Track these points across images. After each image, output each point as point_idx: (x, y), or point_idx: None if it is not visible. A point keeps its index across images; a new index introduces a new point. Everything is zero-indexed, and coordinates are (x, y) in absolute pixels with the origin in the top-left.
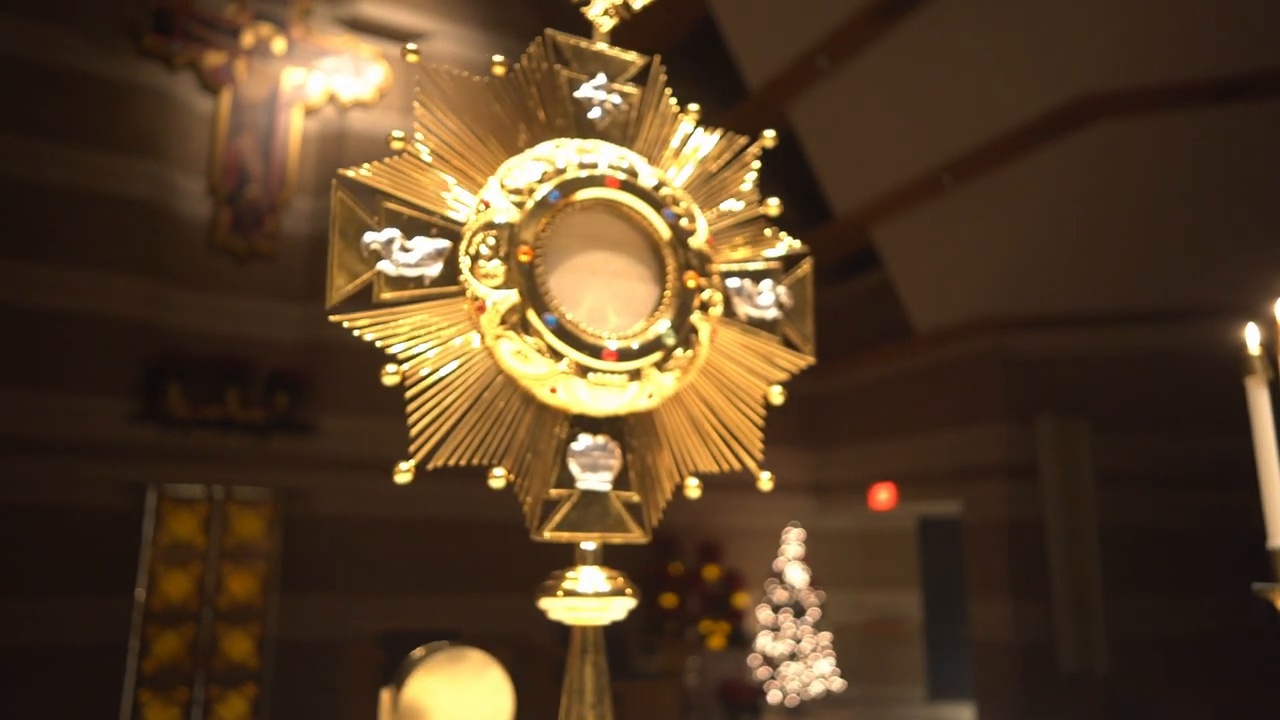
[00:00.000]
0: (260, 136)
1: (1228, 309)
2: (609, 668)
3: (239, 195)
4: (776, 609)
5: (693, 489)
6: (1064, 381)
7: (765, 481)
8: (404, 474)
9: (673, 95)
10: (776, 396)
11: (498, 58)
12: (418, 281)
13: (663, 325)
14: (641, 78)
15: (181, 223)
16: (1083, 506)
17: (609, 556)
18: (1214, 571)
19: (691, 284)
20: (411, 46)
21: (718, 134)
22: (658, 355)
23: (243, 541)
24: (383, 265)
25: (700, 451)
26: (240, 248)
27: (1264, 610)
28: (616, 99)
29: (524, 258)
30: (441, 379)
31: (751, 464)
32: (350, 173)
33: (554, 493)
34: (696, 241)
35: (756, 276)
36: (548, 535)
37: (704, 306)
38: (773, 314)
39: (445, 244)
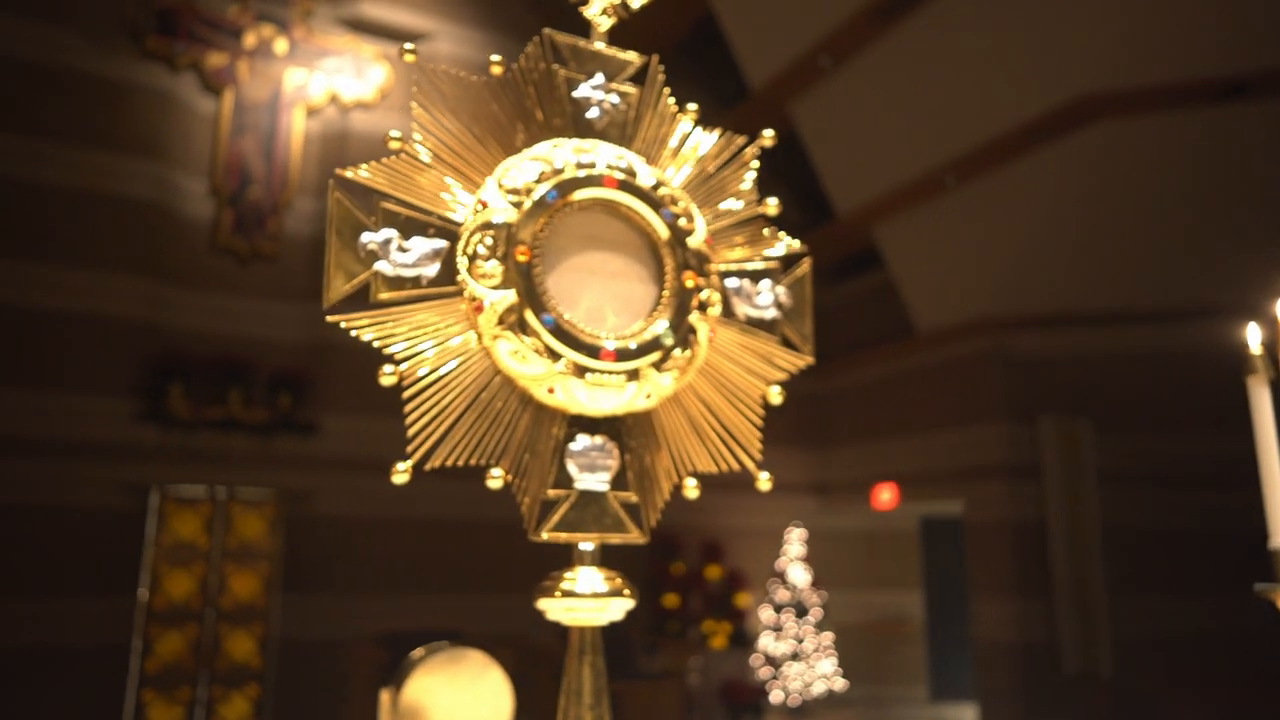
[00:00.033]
0: (262, 137)
1: (1229, 308)
2: (610, 668)
3: (241, 196)
4: (779, 609)
5: (691, 489)
6: (1065, 381)
7: (764, 482)
8: (401, 474)
9: (671, 95)
10: (775, 396)
11: (495, 57)
12: (415, 282)
13: (661, 325)
14: (640, 77)
15: (184, 223)
16: (1085, 506)
17: (608, 557)
18: (1214, 571)
19: (690, 284)
20: (409, 46)
21: (716, 133)
22: (656, 355)
23: (245, 542)
24: (380, 265)
25: (699, 452)
26: (242, 248)
27: (1265, 610)
28: (614, 98)
29: (522, 258)
30: (439, 379)
31: (750, 464)
32: (348, 173)
33: (552, 493)
34: (695, 241)
35: (755, 276)
36: (545, 536)
37: (702, 306)
38: (771, 314)
39: (443, 244)
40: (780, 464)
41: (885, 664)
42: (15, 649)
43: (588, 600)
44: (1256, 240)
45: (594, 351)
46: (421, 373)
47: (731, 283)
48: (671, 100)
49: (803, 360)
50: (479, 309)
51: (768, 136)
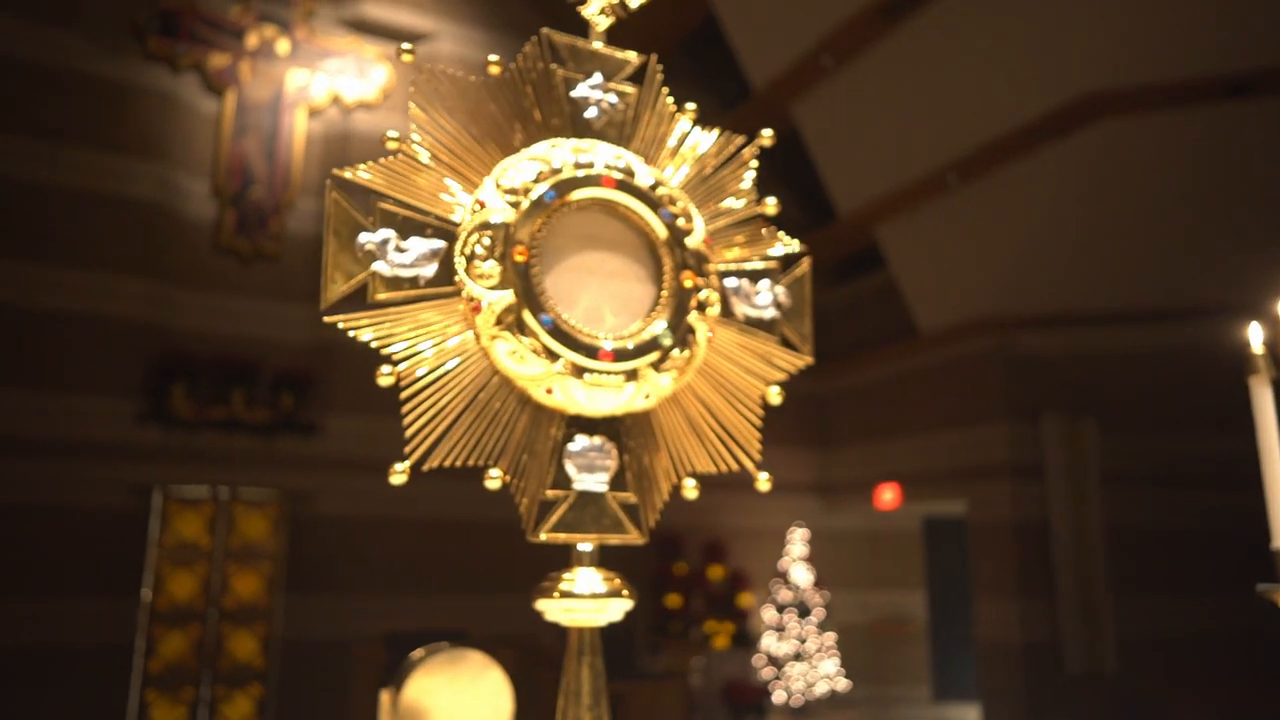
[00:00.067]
0: (264, 138)
1: (1231, 308)
2: (613, 668)
3: (243, 196)
4: (781, 609)
5: (690, 490)
6: (1067, 381)
7: (763, 482)
8: (399, 475)
9: (671, 94)
10: (774, 397)
11: (493, 57)
12: (413, 282)
13: (659, 326)
14: (638, 77)
15: (186, 224)
16: (1088, 506)
17: (609, 557)
18: (1216, 571)
19: (689, 284)
20: (406, 46)
21: (715, 133)
22: (654, 356)
23: (248, 542)
24: (378, 266)
25: (698, 452)
26: (245, 249)
27: (1266, 610)
28: (613, 98)
29: (519, 258)
30: (437, 379)
31: (749, 464)
32: (346, 173)
33: (550, 494)
34: (693, 241)
35: (754, 276)
36: (544, 536)
37: (701, 306)
38: (771, 314)
39: (440, 244)
40: (783, 464)
41: (888, 664)
42: (18, 649)
43: (586, 601)
44: (1257, 240)
45: (592, 352)
46: (419, 373)
47: (730, 282)
48: (670, 100)
49: (802, 360)
50: (477, 309)
51: (766, 136)
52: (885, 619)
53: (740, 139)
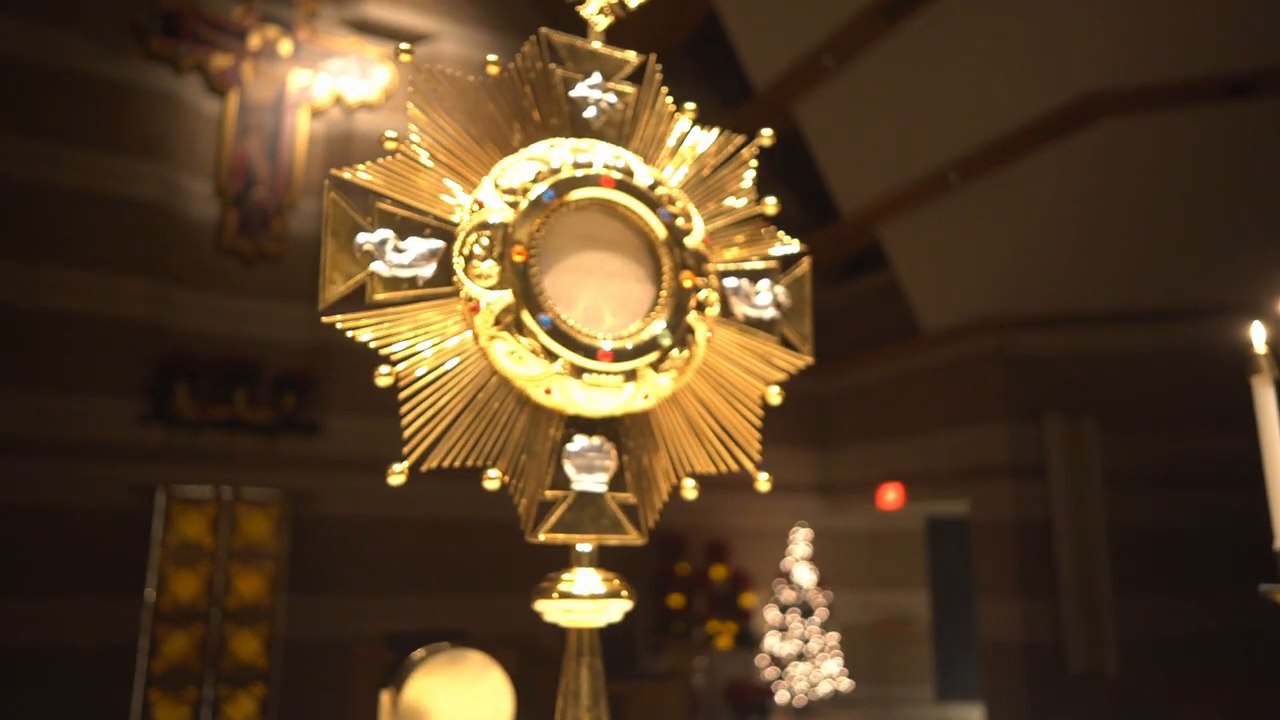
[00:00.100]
0: (267, 138)
1: (1232, 308)
2: (615, 668)
3: (246, 197)
4: (784, 609)
5: (689, 490)
6: (1068, 381)
7: (763, 483)
8: (397, 475)
9: (671, 94)
10: (774, 397)
11: (492, 57)
12: (411, 282)
13: (659, 326)
14: (637, 76)
15: (188, 225)
16: (1090, 506)
17: (611, 558)
18: (1218, 571)
19: (688, 284)
20: (404, 46)
21: (714, 132)
22: (654, 356)
23: (251, 542)
24: (376, 266)
25: (697, 452)
26: (247, 249)
27: (1268, 610)
28: (612, 98)
29: (518, 258)
30: (436, 380)
31: (749, 465)
32: (344, 173)
33: (549, 494)
34: (693, 241)
35: (754, 276)
36: (543, 537)
37: (700, 306)
38: (770, 314)
39: (439, 244)
40: (785, 464)
41: (891, 664)
42: (20, 649)
43: (585, 602)
44: (1257, 240)
45: (591, 352)
46: (418, 373)
47: (730, 282)
48: (669, 99)
49: (802, 360)
50: (475, 309)
51: (766, 135)
52: (888, 619)
53: (740, 138)
